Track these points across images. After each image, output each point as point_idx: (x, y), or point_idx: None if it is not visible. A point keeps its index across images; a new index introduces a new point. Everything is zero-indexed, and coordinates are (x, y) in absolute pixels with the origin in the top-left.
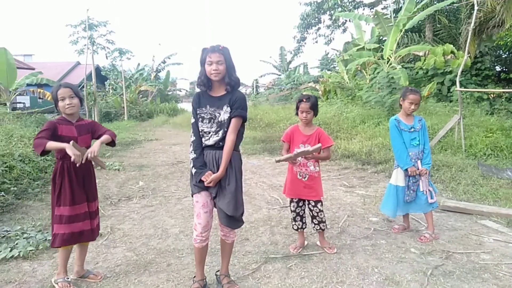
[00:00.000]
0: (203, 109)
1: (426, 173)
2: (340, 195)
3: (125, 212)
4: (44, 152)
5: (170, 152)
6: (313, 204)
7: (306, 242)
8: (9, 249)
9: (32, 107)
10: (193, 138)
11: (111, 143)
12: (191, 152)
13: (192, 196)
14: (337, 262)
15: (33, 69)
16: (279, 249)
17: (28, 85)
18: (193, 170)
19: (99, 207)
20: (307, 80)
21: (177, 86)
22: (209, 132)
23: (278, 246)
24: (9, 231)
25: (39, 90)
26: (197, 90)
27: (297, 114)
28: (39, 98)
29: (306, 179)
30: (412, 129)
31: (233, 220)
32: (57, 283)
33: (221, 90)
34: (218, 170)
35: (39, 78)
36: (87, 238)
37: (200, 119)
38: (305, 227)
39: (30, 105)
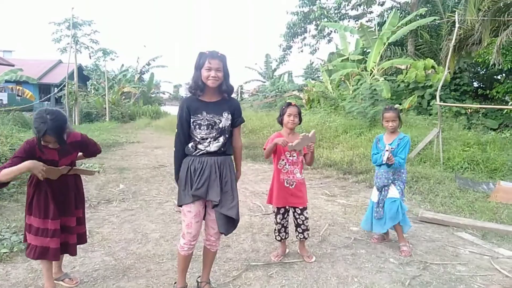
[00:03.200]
0: (199, 115)
1: (389, 149)
2: (322, 203)
3: (105, 216)
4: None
5: (152, 155)
6: (299, 212)
7: (287, 250)
8: None
9: (10, 104)
10: (175, 148)
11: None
12: (174, 161)
13: (181, 205)
14: (318, 271)
15: (13, 65)
16: (260, 257)
17: (6, 81)
18: (176, 179)
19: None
20: (291, 88)
21: (160, 88)
22: (207, 139)
23: (260, 253)
24: None
25: (18, 87)
26: (183, 94)
27: (280, 122)
28: (18, 95)
29: (293, 186)
30: (387, 148)
31: (231, 225)
32: None
33: (214, 96)
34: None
35: (19, 75)
36: (54, 257)
37: (197, 126)
38: (288, 237)
39: (8, 102)
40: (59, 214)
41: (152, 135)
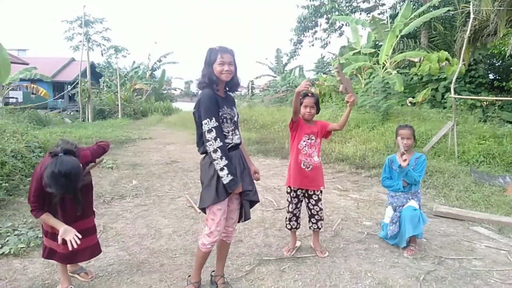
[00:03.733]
0: (223, 109)
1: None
2: (334, 198)
3: (118, 211)
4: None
5: (164, 151)
6: (313, 202)
7: (299, 243)
8: (0, 245)
9: (25, 102)
10: (219, 144)
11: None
12: (221, 158)
13: (209, 205)
14: (331, 266)
15: (27, 64)
16: (272, 251)
17: (21, 80)
18: (228, 178)
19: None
20: None
21: (172, 85)
22: (229, 132)
23: (272, 248)
24: (0, 227)
25: (32, 85)
26: (194, 90)
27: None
28: (32, 93)
29: (309, 169)
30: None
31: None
32: None
33: (223, 91)
34: (244, 168)
35: (33, 73)
36: (63, 261)
37: (224, 120)
38: (299, 227)
39: (23, 100)
40: (71, 220)
41: (164, 131)
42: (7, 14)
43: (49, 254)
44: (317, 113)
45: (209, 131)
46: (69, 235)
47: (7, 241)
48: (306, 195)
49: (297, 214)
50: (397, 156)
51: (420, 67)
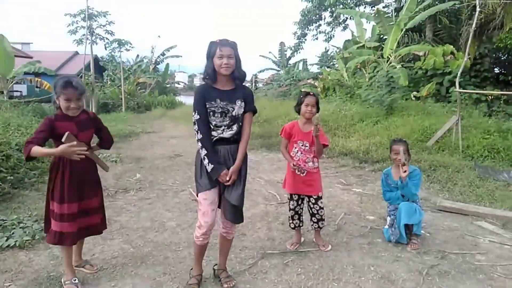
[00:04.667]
0: (213, 102)
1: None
2: (337, 192)
3: (122, 204)
4: (30, 158)
5: (168, 145)
6: (313, 201)
7: (302, 239)
8: (5, 238)
9: (29, 95)
10: (200, 136)
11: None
12: (201, 148)
13: (197, 194)
14: (334, 260)
15: (31, 57)
16: (276, 245)
17: (25, 73)
18: (209, 167)
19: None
20: (306, 76)
21: (175, 78)
22: (221, 126)
23: (275, 242)
24: (5, 220)
25: (36, 79)
26: (197, 83)
27: (297, 111)
28: (36, 87)
29: (304, 174)
30: (397, 185)
31: (238, 213)
32: (65, 284)
33: (228, 84)
34: (233, 163)
35: (37, 67)
36: (69, 242)
37: (211, 113)
38: (302, 225)
39: (27, 94)
40: (77, 197)
41: (168, 125)
42: (11, 8)
43: (59, 238)
44: (317, 112)
45: (194, 123)
46: (69, 152)
47: (13, 233)
48: (306, 199)
49: (299, 212)
50: (392, 169)
51: (425, 61)
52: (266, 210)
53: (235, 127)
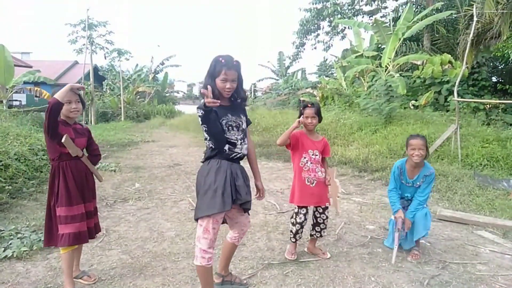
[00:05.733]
0: (227, 117)
1: (409, 225)
2: (333, 208)
3: (121, 214)
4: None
5: (167, 154)
6: (320, 211)
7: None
8: (3, 249)
9: (29, 105)
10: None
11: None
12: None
13: (201, 217)
14: (334, 270)
15: (31, 67)
16: (275, 255)
17: (25, 82)
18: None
19: (96, 207)
20: (305, 85)
21: (174, 88)
22: (237, 140)
23: (275, 252)
24: (3, 230)
25: (36, 88)
26: (196, 92)
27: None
28: (36, 96)
29: (314, 185)
30: (411, 185)
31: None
32: None
33: (226, 100)
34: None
35: (37, 76)
36: (85, 240)
37: (229, 127)
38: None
39: (26, 103)
40: (81, 199)
41: (167, 134)
42: (10, 17)
43: (75, 238)
44: (319, 122)
45: (213, 137)
46: (75, 87)
47: (10, 244)
48: (314, 208)
49: (304, 225)
50: (407, 165)
51: (423, 70)
52: (266, 220)
53: (246, 141)
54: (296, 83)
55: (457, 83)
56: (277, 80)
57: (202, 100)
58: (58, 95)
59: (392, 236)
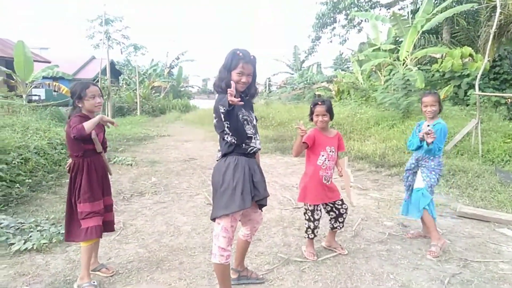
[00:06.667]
0: (242, 112)
1: (430, 132)
2: (347, 199)
3: (138, 208)
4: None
5: (182, 149)
6: (339, 203)
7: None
8: (23, 241)
9: (47, 99)
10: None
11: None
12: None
13: (219, 216)
14: (351, 267)
15: (49, 62)
16: (292, 251)
17: (44, 78)
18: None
19: (112, 203)
20: (320, 79)
21: (189, 82)
22: (253, 134)
23: (291, 247)
24: (23, 223)
25: (54, 83)
26: (211, 87)
27: (311, 119)
28: (54, 91)
29: (329, 182)
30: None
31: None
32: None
33: (238, 94)
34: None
35: (55, 71)
36: (100, 234)
37: (245, 122)
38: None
39: (45, 98)
40: (102, 194)
41: (182, 128)
42: (29, 13)
43: (99, 231)
44: (331, 119)
45: (225, 133)
46: (105, 118)
47: (30, 236)
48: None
49: (320, 220)
50: (424, 125)
51: (442, 63)
52: (281, 215)
53: (258, 136)
54: (311, 77)
55: (478, 77)
56: (292, 74)
57: (224, 98)
58: (87, 126)
59: (407, 202)
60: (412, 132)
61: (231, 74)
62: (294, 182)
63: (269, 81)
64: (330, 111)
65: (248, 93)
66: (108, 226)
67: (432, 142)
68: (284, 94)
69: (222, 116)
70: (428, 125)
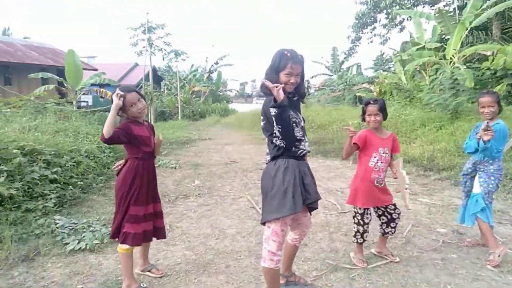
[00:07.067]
0: (291, 113)
1: (489, 130)
2: (402, 202)
3: (183, 210)
4: (109, 137)
5: (223, 152)
6: (392, 208)
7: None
8: (77, 241)
9: (95, 105)
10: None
11: None
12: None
13: (270, 220)
14: (404, 275)
15: (96, 70)
16: (339, 257)
17: (92, 85)
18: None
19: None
20: (360, 81)
21: (228, 86)
22: (302, 137)
23: (339, 254)
24: (77, 223)
25: (101, 89)
26: (249, 91)
27: (363, 119)
28: (101, 97)
29: (382, 185)
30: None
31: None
32: None
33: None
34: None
35: (102, 78)
36: (150, 238)
37: (294, 124)
38: None
39: (92, 104)
40: (152, 199)
41: (222, 132)
42: (29, 13)
43: (138, 239)
44: (384, 119)
45: (274, 136)
46: (117, 104)
47: (83, 237)
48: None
49: (369, 224)
50: (482, 127)
51: (493, 61)
52: (327, 220)
53: (306, 138)
54: (351, 78)
55: None
56: (331, 76)
57: (267, 99)
58: (105, 131)
59: (463, 210)
60: (469, 135)
61: (279, 75)
62: (338, 186)
63: (308, 83)
64: (383, 111)
65: (296, 94)
66: (159, 232)
67: (489, 140)
68: (323, 96)
69: (274, 119)
70: (487, 122)
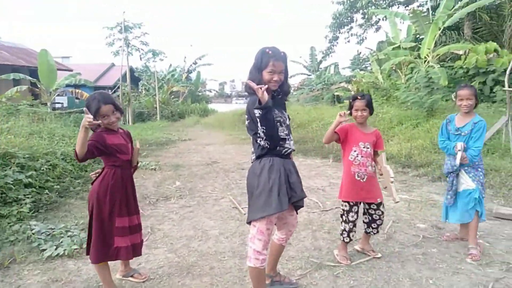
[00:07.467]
0: (275, 112)
1: (465, 158)
2: (389, 197)
3: (164, 212)
4: (83, 156)
5: (204, 152)
6: (374, 207)
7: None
8: (54, 247)
9: (70, 107)
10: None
11: None
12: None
13: (255, 219)
14: (387, 271)
15: (71, 70)
16: (323, 255)
17: (67, 85)
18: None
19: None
20: (338, 80)
21: (207, 86)
22: (286, 135)
23: (322, 251)
24: (54, 229)
25: (77, 90)
26: (228, 91)
27: (350, 113)
28: (76, 98)
29: (364, 180)
30: (458, 133)
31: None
32: None
33: (270, 95)
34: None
35: (78, 79)
36: (138, 253)
37: (278, 123)
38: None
39: (68, 105)
40: (133, 211)
41: (202, 132)
42: (50, 24)
43: (132, 251)
44: (371, 114)
45: (269, 136)
46: (84, 123)
47: (61, 242)
48: (366, 205)
49: (356, 223)
50: (457, 116)
51: (465, 60)
52: (309, 218)
53: (291, 137)
54: (329, 78)
55: (508, 72)
56: (309, 75)
57: (252, 99)
58: (77, 149)
59: (445, 207)
60: (440, 128)
61: (262, 74)
62: (320, 184)
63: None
64: (370, 106)
65: (280, 92)
66: (139, 247)
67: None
68: (302, 95)
69: (259, 120)
70: (459, 150)
